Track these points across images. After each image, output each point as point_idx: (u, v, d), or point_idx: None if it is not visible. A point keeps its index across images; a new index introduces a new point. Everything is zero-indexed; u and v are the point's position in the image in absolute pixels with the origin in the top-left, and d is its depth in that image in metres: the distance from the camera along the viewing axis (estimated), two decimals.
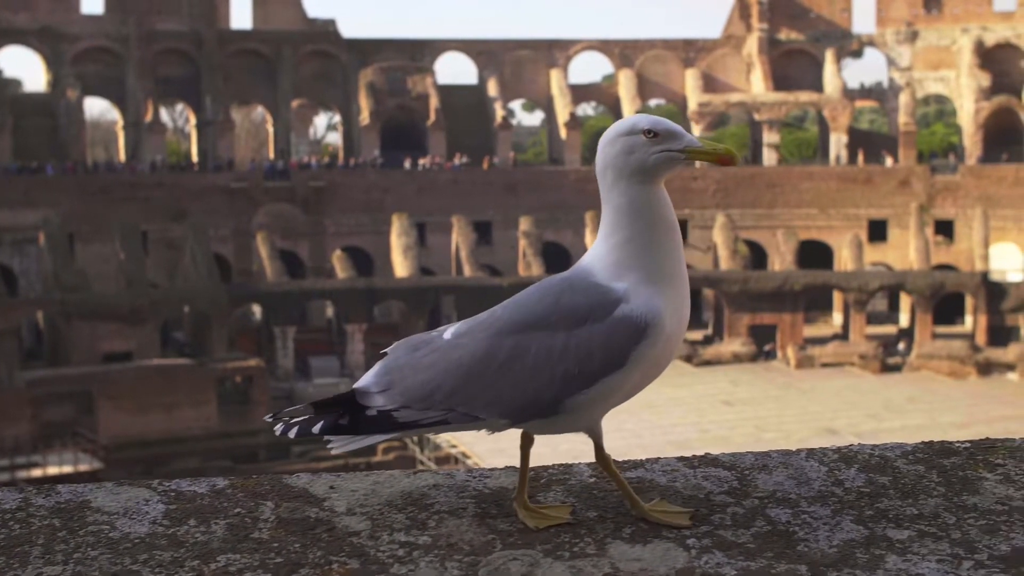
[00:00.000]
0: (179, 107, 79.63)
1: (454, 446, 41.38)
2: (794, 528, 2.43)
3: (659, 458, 2.79)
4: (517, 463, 2.61)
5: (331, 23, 70.02)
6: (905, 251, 63.53)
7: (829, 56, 69.60)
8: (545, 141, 76.80)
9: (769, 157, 68.83)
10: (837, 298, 62.04)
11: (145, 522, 2.48)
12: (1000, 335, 56.33)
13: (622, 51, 71.28)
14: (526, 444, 2.59)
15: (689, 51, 71.21)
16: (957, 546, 2.36)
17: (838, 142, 68.09)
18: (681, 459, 2.79)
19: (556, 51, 71.09)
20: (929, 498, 2.58)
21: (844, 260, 62.38)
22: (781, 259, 60.73)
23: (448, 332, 2.54)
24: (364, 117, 66.31)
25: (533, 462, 2.62)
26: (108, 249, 56.74)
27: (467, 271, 58.14)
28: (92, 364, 48.05)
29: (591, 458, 2.65)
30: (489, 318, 2.51)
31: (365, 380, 2.52)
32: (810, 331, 59.88)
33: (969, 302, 59.40)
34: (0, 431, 42.06)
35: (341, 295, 55.41)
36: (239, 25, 69.25)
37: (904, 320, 61.88)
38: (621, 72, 71.00)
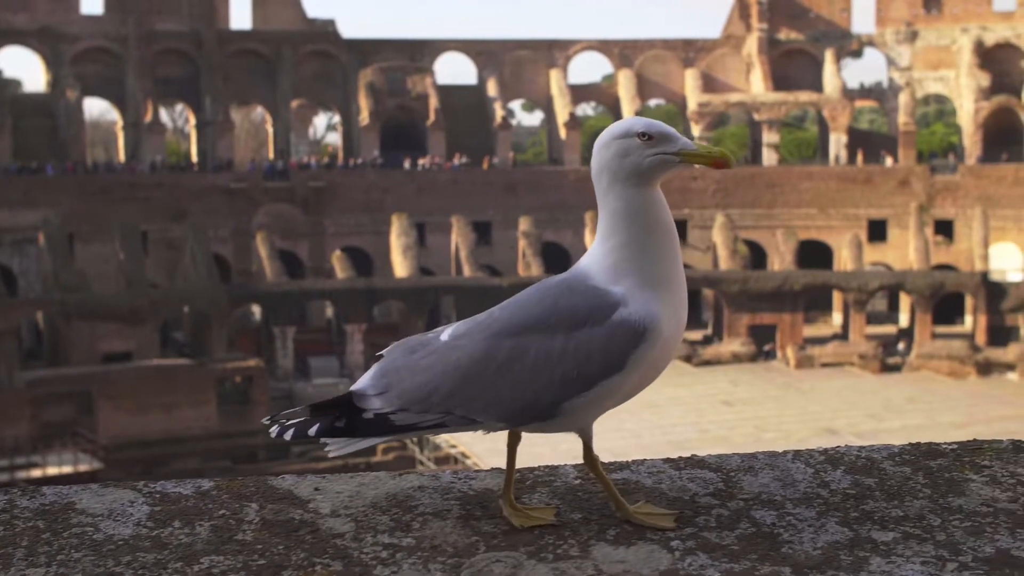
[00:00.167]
0: (179, 107, 79.66)
1: (453, 446, 41.39)
2: (779, 530, 2.43)
3: (645, 460, 2.79)
4: (524, 463, 2.62)
5: (331, 23, 70.04)
6: (905, 251, 63.53)
7: (829, 56, 69.60)
8: (545, 141, 76.81)
9: (769, 157, 68.83)
10: (837, 298, 62.04)
11: (129, 524, 2.48)
12: (1000, 335, 56.33)
13: (622, 51, 71.29)
14: (513, 442, 2.59)
15: (689, 51, 71.22)
16: (941, 548, 2.36)
17: (838, 142, 68.09)
18: (667, 461, 2.79)
19: (556, 51, 71.09)
20: (915, 500, 2.58)
21: (844, 260, 62.38)
22: (781, 259, 60.73)
23: (445, 333, 2.53)
24: (364, 117, 66.32)
25: (521, 463, 2.61)
26: (108, 249, 56.76)
27: (467, 271, 58.14)
28: (92, 364, 48.05)
29: (577, 458, 2.65)
30: (487, 319, 2.50)
31: (362, 382, 2.51)
32: (810, 331, 59.88)
33: (969, 302, 59.40)
34: (0, 431, 42.05)
35: (341, 295, 55.41)
36: (239, 25, 69.32)
37: (904, 320, 61.88)
38: (621, 72, 71.01)
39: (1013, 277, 60.51)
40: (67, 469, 40.26)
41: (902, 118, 68.45)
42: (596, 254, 2.50)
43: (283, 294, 54.92)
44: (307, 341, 56.71)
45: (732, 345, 57.22)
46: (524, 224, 59.58)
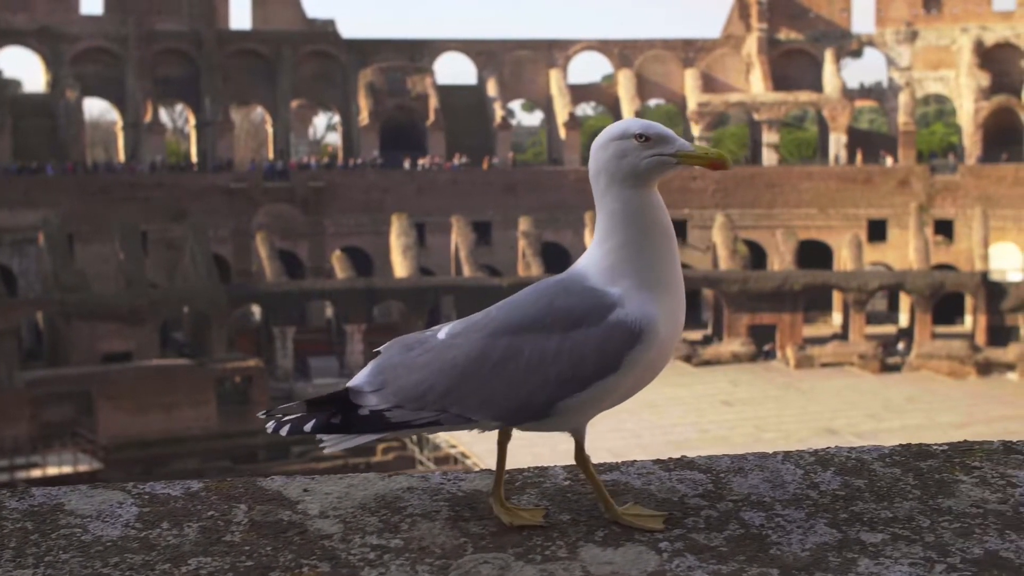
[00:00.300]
0: (178, 107, 79.68)
1: (453, 446, 41.39)
2: (767, 531, 2.43)
3: (635, 461, 2.79)
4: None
5: (330, 23, 70.05)
6: (905, 251, 63.53)
7: (828, 56, 69.60)
8: (544, 141, 76.81)
9: (769, 157, 68.84)
10: (836, 298, 62.04)
11: (118, 525, 2.48)
12: (1000, 335, 56.33)
13: (621, 51, 71.29)
14: (503, 439, 2.60)
15: (688, 51, 71.22)
16: (930, 549, 2.35)
17: (837, 142, 68.09)
18: (657, 462, 2.78)
19: (555, 51, 71.10)
20: (904, 501, 2.57)
21: (843, 260, 62.38)
22: (780, 259, 60.73)
23: (442, 332, 2.54)
24: (363, 117, 66.32)
25: (519, 462, 2.62)
26: (108, 249, 56.77)
27: (466, 271, 58.15)
28: (91, 364, 48.06)
29: (568, 460, 2.65)
30: (483, 319, 2.51)
31: (358, 379, 2.52)
32: (809, 331, 59.89)
33: (969, 302, 59.40)
34: (0, 431, 42.05)
35: (340, 295, 55.42)
36: (238, 25, 69.32)
37: (904, 320, 61.88)
38: (620, 72, 71.01)
39: (1013, 277, 60.50)
40: (67, 469, 40.27)
41: (902, 118, 68.45)
42: (594, 255, 2.50)
43: (283, 294, 54.93)
44: (307, 341, 56.73)
45: (732, 345, 57.23)
46: (524, 224, 59.60)
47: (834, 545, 2.37)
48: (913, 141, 68.41)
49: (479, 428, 2.49)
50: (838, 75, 69.19)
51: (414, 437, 43.71)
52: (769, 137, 68.74)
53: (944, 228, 65.83)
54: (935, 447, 2.88)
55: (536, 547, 2.36)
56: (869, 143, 70.41)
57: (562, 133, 68.41)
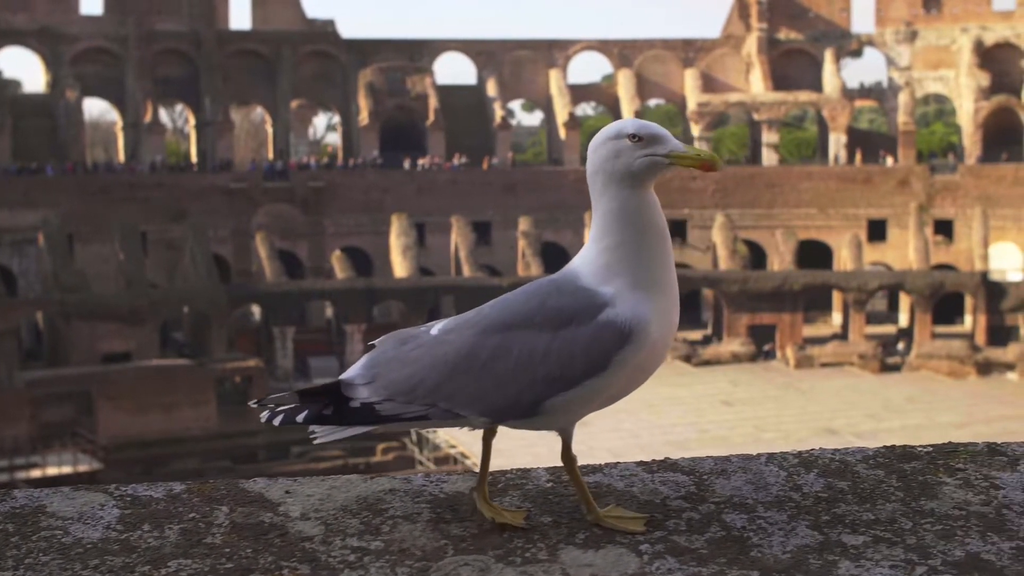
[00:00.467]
0: (178, 107, 79.69)
1: (453, 446, 41.38)
2: (749, 534, 2.42)
3: (617, 462, 2.79)
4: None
5: (330, 23, 70.05)
6: (904, 251, 63.51)
7: (828, 56, 69.58)
8: (544, 141, 76.81)
9: (768, 157, 68.83)
10: (836, 298, 62.03)
11: (99, 527, 2.48)
12: (999, 335, 56.31)
13: (621, 51, 71.28)
14: (488, 436, 2.61)
15: (688, 51, 71.21)
16: (911, 551, 2.35)
17: (837, 142, 68.08)
18: (640, 463, 2.78)
19: (555, 51, 71.09)
20: (887, 503, 2.57)
21: (843, 260, 62.37)
22: (780, 259, 60.73)
23: (436, 328, 2.56)
24: (363, 117, 66.33)
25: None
26: (107, 249, 56.78)
27: (466, 271, 58.14)
28: (91, 364, 48.07)
29: (555, 462, 2.64)
30: (476, 316, 2.52)
31: (351, 371, 2.53)
32: (809, 331, 59.87)
33: (968, 302, 59.38)
34: (0, 431, 42.06)
35: (340, 295, 55.42)
36: (238, 25, 69.31)
37: (903, 320, 61.87)
38: (620, 72, 71.00)
39: (1013, 277, 60.49)
40: (67, 469, 40.26)
41: (902, 118, 68.43)
42: (588, 254, 2.50)
43: (283, 294, 54.94)
44: (307, 341, 56.74)
45: (732, 345, 57.22)
46: (524, 224, 59.59)
47: (815, 547, 2.37)
48: (913, 141, 68.40)
49: (467, 425, 2.49)
50: (838, 75, 69.18)
51: (414, 437, 43.70)
52: (769, 137, 68.73)
53: (944, 228, 65.81)
54: (919, 449, 2.87)
55: (517, 549, 2.36)
56: (869, 143, 70.40)
57: (562, 133, 68.40)
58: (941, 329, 58.51)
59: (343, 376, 2.53)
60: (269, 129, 71.05)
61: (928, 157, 71.70)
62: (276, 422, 2.48)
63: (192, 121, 68.47)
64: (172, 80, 65.92)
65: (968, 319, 60.54)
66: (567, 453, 2.54)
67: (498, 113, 68.78)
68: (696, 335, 59.65)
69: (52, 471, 40.07)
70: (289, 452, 44.20)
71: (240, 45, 67.05)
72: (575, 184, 61.91)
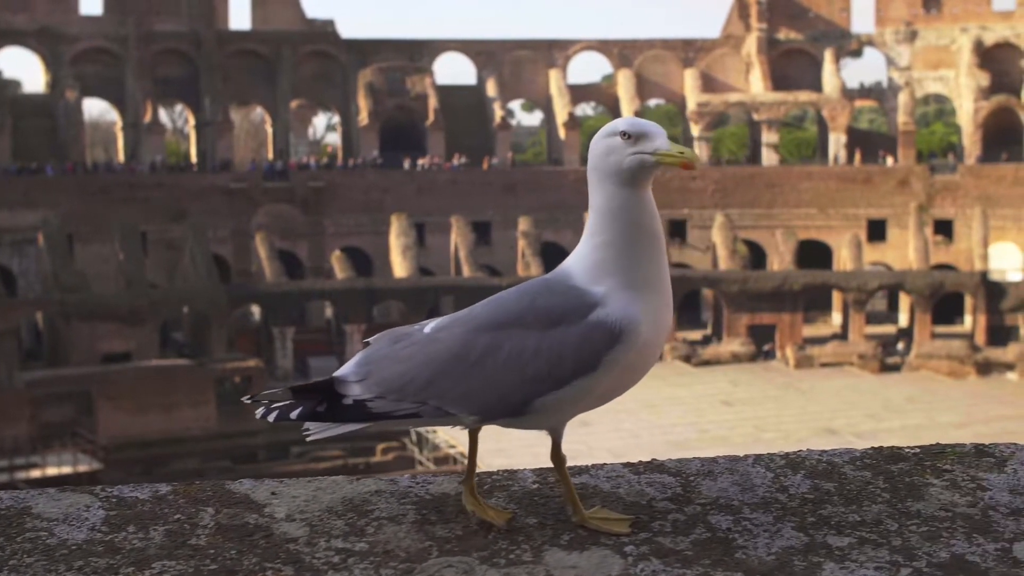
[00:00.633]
0: (178, 108, 79.70)
1: (452, 446, 41.38)
2: (734, 535, 2.42)
3: (604, 464, 2.78)
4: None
5: (330, 23, 70.05)
6: (904, 251, 63.50)
7: (828, 56, 69.57)
8: (544, 141, 76.81)
9: (768, 157, 68.82)
10: (836, 298, 62.02)
11: (84, 528, 2.47)
12: (999, 335, 56.29)
13: (621, 51, 71.28)
14: (474, 430, 2.61)
15: (688, 51, 71.20)
16: (897, 553, 2.35)
17: (837, 142, 68.07)
18: (627, 465, 2.78)
19: (555, 51, 71.08)
20: (873, 504, 2.56)
21: (843, 260, 62.36)
22: (780, 259, 60.72)
23: (429, 326, 2.56)
24: (363, 117, 66.33)
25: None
26: (107, 250, 56.78)
27: (466, 271, 58.14)
28: (91, 364, 48.06)
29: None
30: (467, 315, 2.52)
31: (345, 369, 2.53)
32: (809, 331, 59.86)
33: (968, 302, 59.36)
34: (0, 432, 42.05)
35: (340, 295, 55.42)
36: (238, 25, 69.31)
37: (903, 320, 61.86)
38: (620, 72, 70.99)
39: (1013, 277, 60.48)
40: (67, 469, 40.25)
41: (902, 118, 68.42)
42: (581, 252, 2.50)
43: (282, 294, 54.94)
44: (307, 341, 56.74)
45: (732, 345, 57.21)
46: (523, 224, 59.58)
47: (800, 549, 2.36)
48: (913, 141, 68.38)
49: (458, 423, 2.49)
50: (838, 75, 69.16)
51: (413, 437, 43.70)
52: (769, 137, 68.72)
53: (944, 228, 65.79)
54: (907, 450, 2.87)
55: (501, 551, 2.36)
56: (869, 143, 70.38)
57: (562, 133, 68.39)
58: (941, 329, 58.50)
59: (337, 373, 2.53)
60: (269, 129, 71.05)
61: (928, 157, 71.69)
62: (271, 419, 2.48)
63: (192, 121, 68.48)
64: (172, 80, 65.93)
65: (968, 319, 60.53)
66: (557, 453, 2.53)
67: (498, 113, 68.77)
68: (696, 335, 59.65)
69: (52, 471, 40.06)
70: (289, 452, 44.19)
71: (240, 45, 67.05)
72: (575, 184, 61.91)
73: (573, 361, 2.40)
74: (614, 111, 71.44)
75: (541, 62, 70.74)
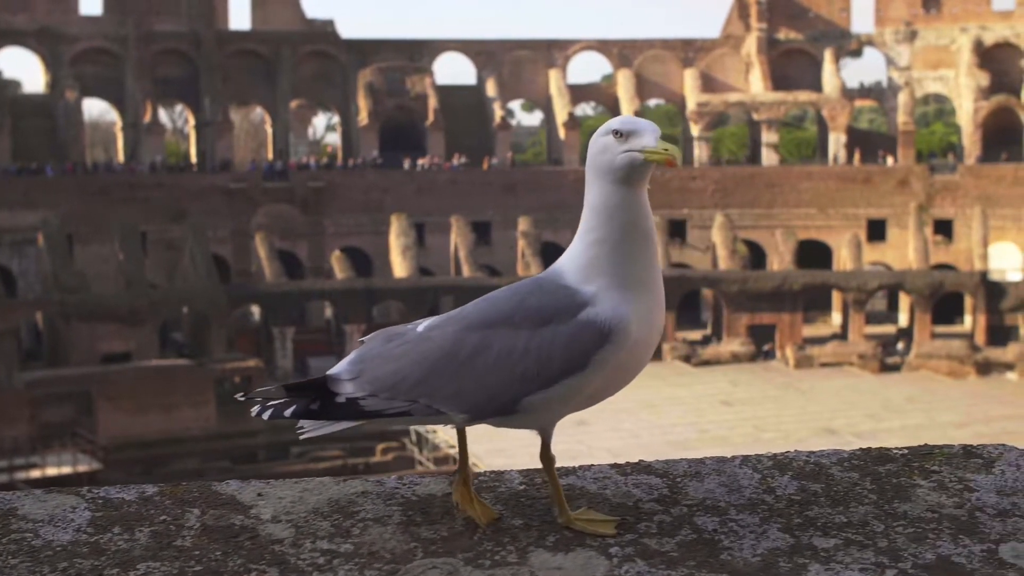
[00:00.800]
0: (178, 108, 79.70)
1: (452, 446, 41.35)
2: (720, 536, 2.42)
3: (592, 465, 2.78)
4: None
5: (330, 23, 70.06)
6: (904, 251, 63.49)
7: (828, 56, 69.56)
8: (544, 141, 76.82)
9: (768, 157, 68.81)
10: (836, 298, 62.01)
11: (69, 530, 2.47)
12: (999, 335, 56.28)
13: (621, 51, 71.27)
14: (463, 428, 2.62)
15: (688, 51, 71.19)
16: (882, 554, 2.34)
17: (837, 142, 68.07)
18: (614, 466, 2.77)
19: (555, 51, 71.07)
20: (860, 506, 2.56)
21: (843, 260, 62.35)
22: (780, 259, 60.71)
23: (422, 325, 2.57)
24: (363, 117, 66.32)
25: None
26: (107, 250, 56.78)
27: (466, 271, 58.14)
28: (91, 365, 48.06)
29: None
30: (459, 314, 2.53)
31: (338, 367, 2.54)
32: (809, 331, 59.85)
33: (968, 302, 59.35)
34: None
35: (340, 295, 55.42)
36: (238, 26, 69.33)
37: (903, 320, 61.85)
38: (620, 72, 70.99)
39: (1012, 277, 60.47)
40: (66, 470, 40.25)
41: (901, 118, 68.42)
42: (574, 251, 2.50)
43: (282, 294, 54.94)
44: (306, 341, 56.73)
45: (731, 345, 57.20)
46: (523, 224, 59.58)
47: (786, 550, 2.36)
48: (912, 141, 68.39)
49: (449, 422, 2.50)
50: (837, 75, 69.15)
51: (413, 437, 43.70)
52: (769, 137, 68.71)
53: (943, 228, 65.79)
54: (895, 451, 2.87)
55: (486, 552, 2.36)
56: (869, 143, 70.38)
57: (561, 133, 68.38)
58: (941, 329, 58.49)
59: (330, 371, 2.54)
60: (269, 129, 71.06)
61: (928, 157, 71.69)
62: (265, 416, 2.49)
63: (192, 121, 68.48)
64: (172, 80, 65.93)
65: (968, 319, 60.53)
66: (546, 453, 2.53)
67: (498, 113, 68.77)
68: (696, 335, 59.64)
69: (52, 471, 40.06)
70: (289, 452, 44.19)
71: (240, 45, 67.05)
72: (575, 184, 61.91)
73: (562, 360, 2.41)
74: (614, 111, 71.41)
75: (541, 62, 70.73)
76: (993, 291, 57.06)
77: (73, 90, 63.15)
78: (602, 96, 74.73)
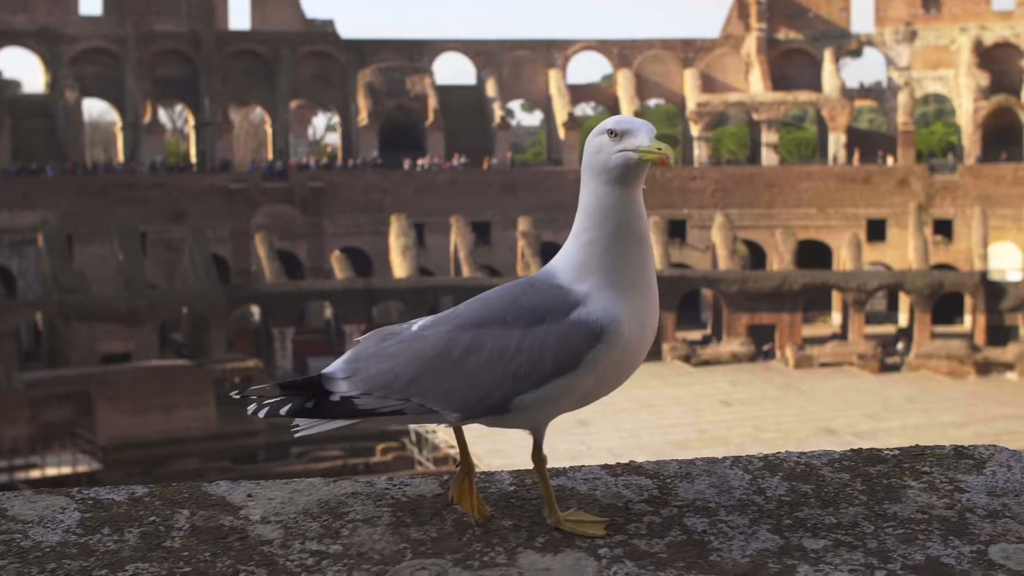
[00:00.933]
0: (178, 108, 79.72)
1: (452, 447, 41.34)
2: (709, 537, 2.41)
3: (582, 466, 2.78)
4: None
5: (329, 24, 70.06)
6: (904, 251, 63.50)
7: (828, 56, 69.56)
8: (544, 141, 76.82)
9: (768, 157, 68.80)
10: (836, 298, 62.01)
11: (58, 531, 2.47)
12: (999, 335, 56.26)
13: (620, 51, 71.26)
14: (458, 428, 2.63)
15: (688, 51, 71.19)
16: (872, 555, 2.34)
17: (837, 142, 68.07)
18: (604, 467, 2.77)
19: (554, 51, 71.07)
20: (850, 507, 2.56)
21: (843, 260, 62.36)
22: (780, 259, 60.70)
23: (417, 324, 2.58)
24: (362, 117, 66.32)
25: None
26: (107, 250, 56.78)
27: (466, 271, 58.14)
28: (90, 365, 48.05)
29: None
30: (453, 313, 2.54)
31: (333, 366, 2.56)
32: (809, 331, 59.85)
33: (968, 302, 59.35)
34: None
35: (339, 296, 55.41)
36: (237, 26, 69.33)
37: (903, 320, 61.84)
38: (620, 72, 70.98)
39: (1012, 277, 60.47)
40: (66, 470, 40.26)
41: (901, 118, 68.43)
42: (567, 250, 2.51)
43: (282, 295, 54.92)
44: (306, 342, 56.73)
45: (731, 345, 57.19)
46: (523, 224, 59.58)
47: (775, 551, 2.36)
48: (912, 141, 68.40)
49: (441, 421, 2.50)
50: (837, 75, 69.15)
51: (413, 437, 43.69)
52: (768, 137, 68.70)
53: (943, 228, 65.80)
54: (886, 452, 2.86)
55: (475, 553, 2.36)
56: (868, 143, 70.38)
57: (561, 133, 68.38)
58: (940, 329, 58.48)
59: (325, 370, 2.55)
60: (268, 129, 71.04)
61: (927, 157, 71.68)
62: (261, 414, 2.50)
63: (191, 121, 68.48)
64: (171, 80, 65.93)
65: (967, 319, 60.52)
66: (537, 453, 2.54)
67: (497, 113, 68.76)
68: (696, 335, 59.64)
69: (51, 472, 40.07)
70: (289, 452, 44.17)
71: (239, 45, 67.05)
72: (575, 184, 60.86)
73: (554, 360, 2.41)
74: (614, 111, 71.41)
75: (541, 62, 70.73)
76: (993, 291, 57.05)
77: (73, 90, 63.16)
78: (602, 96, 74.73)
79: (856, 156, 67.86)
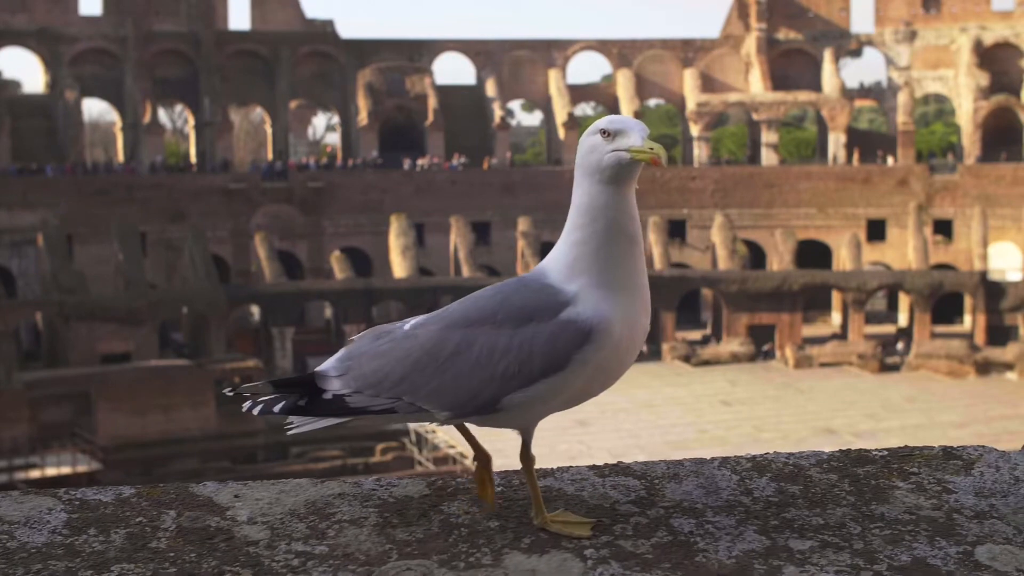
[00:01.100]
0: (177, 108, 79.74)
1: (452, 446, 41.35)
2: (695, 538, 2.41)
3: (570, 466, 2.77)
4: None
5: (329, 24, 70.05)
6: (904, 251, 63.50)
7: (828, 56, 69.56)
8: (544, 141, 76.82)
9: (768, 157, 68.81)
10: (836, 298, 62.00)
11: (44, 531, 2.46)
12: (999, 334, 56.25)
13: (620, 51, 71.26)
14: (458, 424, 2.63)
15: (687, 51, 71.19)
16: (858, 556, 2.34)
17: (837, 142, 68.07)
18: (592, 468, 2.77)
19: (554, 51, 71.08)
20: (837, 507, 2.55)
21: (843, 260, 62.35)
22: (780, 259, 60.69)
23: (409, 324, 2.58)
24: (362, 118, 66.32)
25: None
26: (106, 250, 56.78)
27: (465, 271, 58.14)
28: (90, 365, 48.03)
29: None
30: (444, 312, 2.54)
31: (327, 364, 2.56)
32: (809, 331, 59.84)
33: (968, 301, 59.34)
34: None
35: (339, 296, 55.41)
36: (237, 26, 69.32)
37: (903, 320, 61.84)
38: (619, 72, 70.98)
39: (1012, 276, 60.47)
40: (66, 470, 40.26)
41: (901, 118, 68.42)
42: (559, 250, 2.51)
43: (282, 295, 54.92)
44: (306, 342, 56.70)
45: (731, 345, 57.18)
46: (523, 224, 59.57)
47: (761, 552, 2.35)
48: (912, 141, 68.40)
49: (432, 420, 2.51)
50: (837, 75, 69.15)
51: (412, 437, 43.68)
52: (768, 137, 68.70)
53: (943, 228, 65.80)
54: (874, 452, 2.86)
55: (461, 554, 2.35)
56: (868, 143, 70.39)
57: (561, 133, 68.38)
58: (940, 329, 58.48)
59: (318, 368, 2.56)
60: (268, 129, 71.05)
61: (927, 157, 71.68)
62: (255, 412, 2.50)
63: (191, 121, 68.48)
64: (171, 80, 65.94)
65: (967, 319, 60.51)
66: (526, 453, 2.54)
67: (497, 113, 68.76)
68: (695, 335, 59.63)
69: (51, 472, 40.07)
70: (288, 453, 44.17)
71: (239, 45, 67.05)
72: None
73: (542, 359, 2.40)
74: (613, 111, 71.39)
75: (540, 62, 70.73)
76: (992, 291, 57.04)
77: (73, 90, 63.17)
78: (602, 96, 74.73)
79: (856, 156, 67.87)
